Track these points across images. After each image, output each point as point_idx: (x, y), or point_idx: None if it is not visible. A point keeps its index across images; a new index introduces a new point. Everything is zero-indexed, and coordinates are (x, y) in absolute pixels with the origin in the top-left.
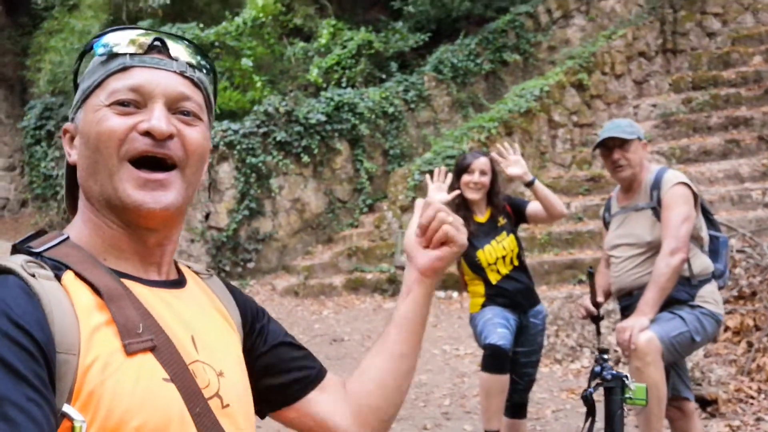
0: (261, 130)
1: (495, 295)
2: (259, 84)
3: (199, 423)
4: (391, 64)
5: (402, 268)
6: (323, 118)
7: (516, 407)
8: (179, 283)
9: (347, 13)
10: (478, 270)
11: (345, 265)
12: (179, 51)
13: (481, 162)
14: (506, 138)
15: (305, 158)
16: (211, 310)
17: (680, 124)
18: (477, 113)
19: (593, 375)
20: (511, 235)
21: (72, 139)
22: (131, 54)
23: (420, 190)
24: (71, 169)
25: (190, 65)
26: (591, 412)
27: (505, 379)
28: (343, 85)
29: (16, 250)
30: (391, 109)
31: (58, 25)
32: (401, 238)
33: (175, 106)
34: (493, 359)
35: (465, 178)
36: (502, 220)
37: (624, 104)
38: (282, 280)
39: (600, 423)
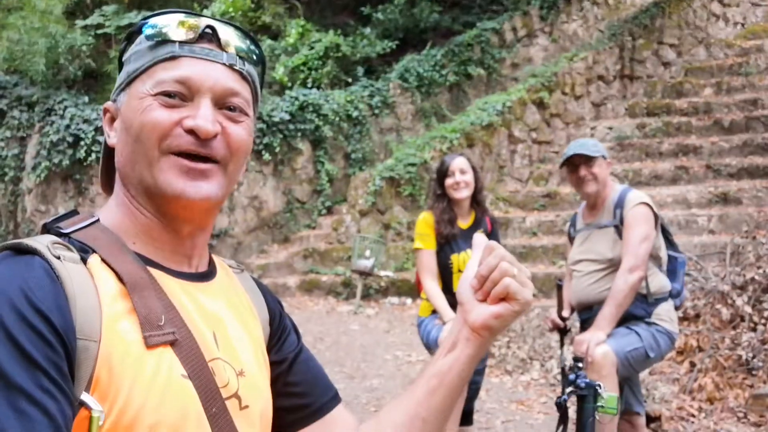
0: None
1: (451, 303)
2: None
3: (214, 423)
4: (358, 68)
5: (358, 272)
6: (287, 117)
7: (463, 414)
8: (208, 275)
9: (316, 14)
10: (446, 273)
11: (300, 266)
12: (230, 38)
13: (459, 162)
14: (467, 150)
15: (266, 156)
16: (238, 306)
17: (634, 148)
18: (440, 123)
19: (568, 383)
20: None
21: (112, 119)
22: (181, 42)
23: (380, 195)
24: (108, 150)
25: (240, 56)
26: (563, 419)
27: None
28: (309, 85)
29: (46, 229)
30: (355, 113)
31: (18, 2)
32: (359, 242)
33: (222, 101)
34: None
35: (448, 181)
36: (481, 233)
37: (582, 125)
38: None
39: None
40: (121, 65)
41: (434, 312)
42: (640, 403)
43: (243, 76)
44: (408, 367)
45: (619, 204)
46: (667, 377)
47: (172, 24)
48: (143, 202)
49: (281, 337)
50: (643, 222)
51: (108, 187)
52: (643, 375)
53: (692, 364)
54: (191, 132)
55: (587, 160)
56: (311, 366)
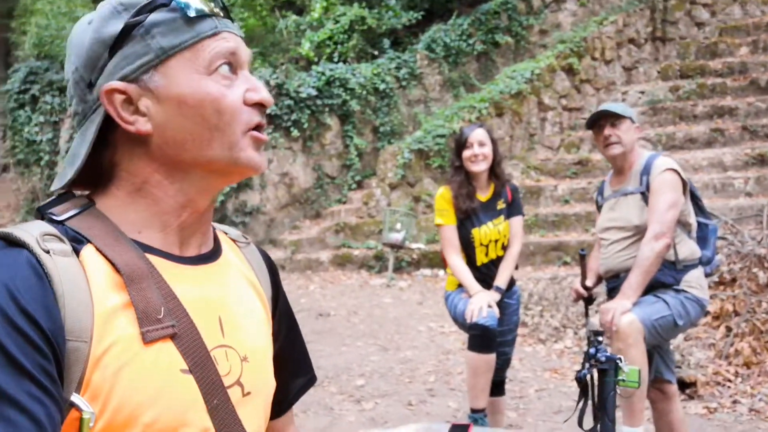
0: None
1: (476, 277)
2: None
3: (215, 416)
4: (384, 40)
5: (390, 245)
6: (314, 92)
7: (494, 385)
8: (212, 255)
9: None
10: (468, 247)
11: (332, 240)
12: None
13: (478, 133)
14: (497, 119)
15: (295, 132)
16: (245, 285)
17: (667, 112)
18: (468, 93)
19: (587, 356)
20: (507, 222)
21: (129, 101)
22: (219, 17)
23: (409, 168)
24: (105, 135)
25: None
26: (584, 393)
27: (492, 357)
28: (335, 60)
29: (40, 214)
30: (382, 86)
31: None
32: (389, 215)
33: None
34: (482, 339)
35: (465, 153)
36: (501, 204)
37: (613, 90)
38: (269, 253)
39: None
40: (123, 39)
41: (460, 286)
42: (671, 370)
43: None
44: (441, 338)
45: (646, 170)
46: (703, 342)
47: None
48: (193, 182)
49: (277, 325)
50: (670, 189)
51: (84, 179)
52: (678, 341)
53: (728, 329)
54: (257, 105)
55: (614, 120)
56: (288, 357)
